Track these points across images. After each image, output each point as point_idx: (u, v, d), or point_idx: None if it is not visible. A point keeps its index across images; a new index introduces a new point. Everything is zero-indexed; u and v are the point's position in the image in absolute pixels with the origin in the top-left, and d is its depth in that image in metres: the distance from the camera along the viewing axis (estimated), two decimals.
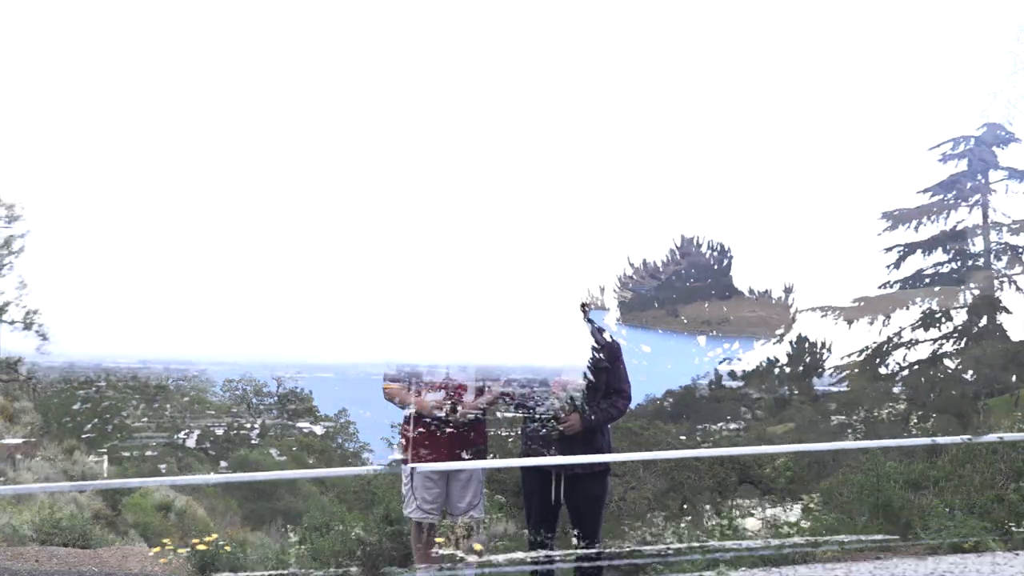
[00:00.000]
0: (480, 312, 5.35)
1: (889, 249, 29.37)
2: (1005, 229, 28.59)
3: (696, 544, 5.70)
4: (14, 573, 5.82)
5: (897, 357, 26.96)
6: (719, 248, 25.90)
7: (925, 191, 29.34)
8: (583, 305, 5.25)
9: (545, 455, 4.99)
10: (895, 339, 27.22)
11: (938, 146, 29.36)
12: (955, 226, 28.92)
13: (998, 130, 29.03)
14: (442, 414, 5.17)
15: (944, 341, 27.11)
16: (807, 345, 26.33)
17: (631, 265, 24.35)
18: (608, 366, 5.03)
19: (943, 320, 27.05)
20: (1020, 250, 28.27)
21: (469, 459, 5.25)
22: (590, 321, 5.23)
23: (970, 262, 28.87)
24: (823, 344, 27.11)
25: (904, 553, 5.53)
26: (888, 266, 29.19)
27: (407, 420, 5.37)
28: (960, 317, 27.22)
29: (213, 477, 12.62)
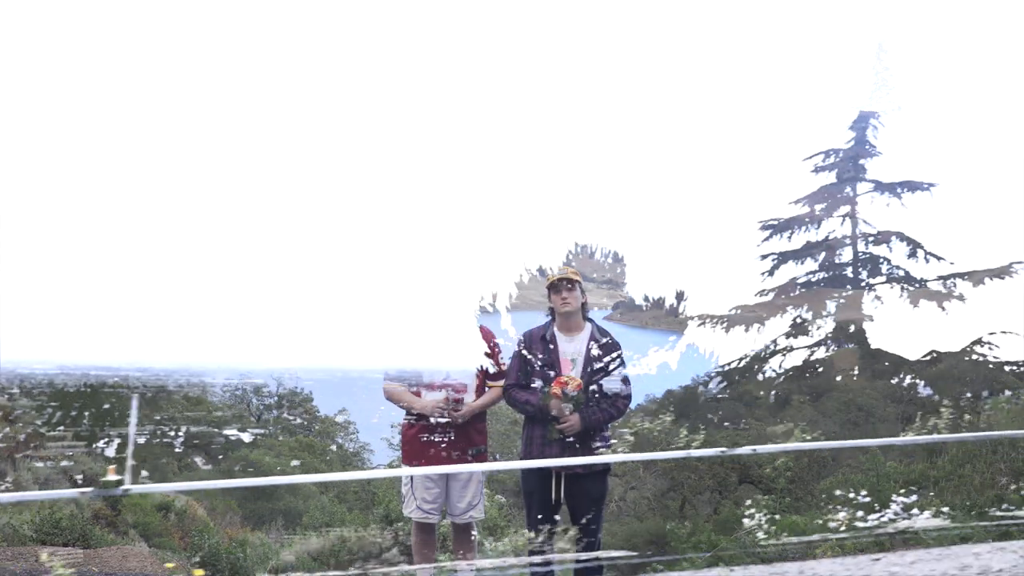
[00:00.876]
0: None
1: (764, 257, 30.07)
2: (871, 240, 29.05)
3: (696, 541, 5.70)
4: (14, 573, 5.82)
5: (774, 364, 27.48)
6: (613, 255, 26.66)
7: (797, 201, 30.04)
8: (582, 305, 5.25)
9: (546, 455, 4.99)
10: (771, 346, 27.71)
11: (811, 157, 30.10)
12: (827, 236, 29.43)
13: (865, 144, 29.50)
14: (442, 415, 5.17)
15: (816, 348, 27.58)
16: (695, 354, 26.56)
17: (527, 271, 24.36)
18: (608, 366, 5.03)
19: (813, 327, 27.56)
20: (881, 260, 28.66)
21: (469, 460, 5.25)
22: (590, 320, 5.23)
23: (838, 271, 29.29)
24: (710, 352, 27.32)
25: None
26: (763, 274, 29.77)
27: (407, 420, 5.37)
28: (829, 324, 27.65)
29: (215, 483, 12.62)
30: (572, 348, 5.10)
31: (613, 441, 5.32)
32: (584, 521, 4.94)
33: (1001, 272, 24.51)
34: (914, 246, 27.65)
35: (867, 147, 29.57)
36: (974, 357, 23.40)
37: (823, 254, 29.49)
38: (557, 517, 5.00)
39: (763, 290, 29.62)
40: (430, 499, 5.25)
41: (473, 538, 5.42)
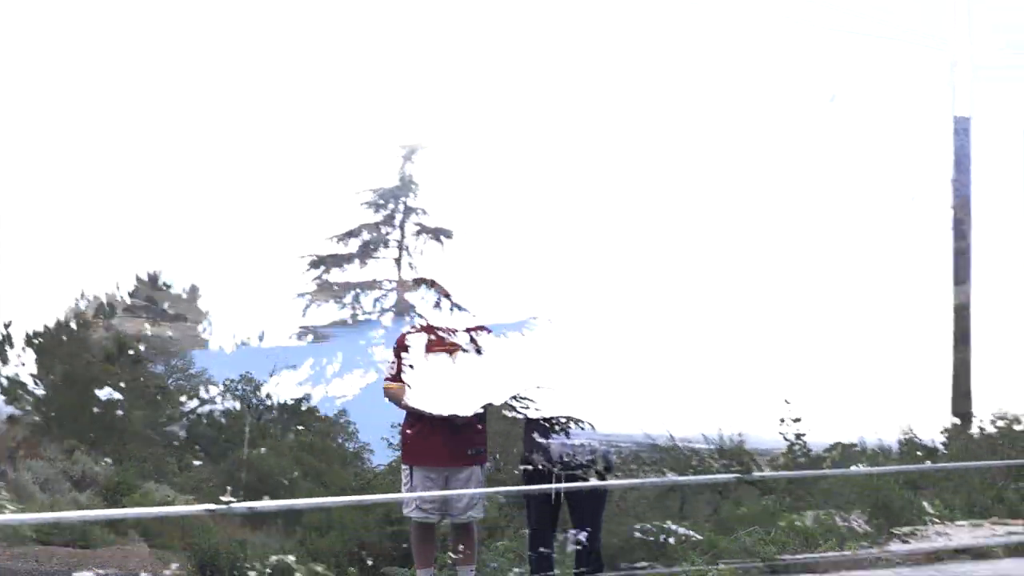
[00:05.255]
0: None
1: (302, 295, 27.75)
2: (408, 286, 26.78)
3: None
4: (14, 573, 5.82)
5: None
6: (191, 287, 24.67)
7: (342, 238, 27.95)
8: None
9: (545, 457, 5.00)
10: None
11: (361, 193, 28.05)
12: (374, 280, 27.88)
13: (411, 183, 28.10)
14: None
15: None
16: None
17: (138, 279, 23.56)
18: None
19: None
20: (413, 309, 27.10)
21: (469, 459, 5.25)
22: None
23: (378, 316, 27.51)
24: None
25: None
26: (304, 309, 27.36)
27: (407, 420, 5.37)
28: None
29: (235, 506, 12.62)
30: None
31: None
32: (585, 521, 4.94)
33: (519, 326, 22.57)
34: (441, 295, 26.60)
35: (412, 185, 28.43)
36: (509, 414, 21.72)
37: (364, 297, 28.11)
38: (557, 517, 5.00)
39: (303, 328, 27.28)
40: (430, 499, 5.25)
41: (473, 538, 5.42)
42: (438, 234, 27.95)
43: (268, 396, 21.38)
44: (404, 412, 5.40)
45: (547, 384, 5.02)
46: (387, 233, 28.27)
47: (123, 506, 10.82)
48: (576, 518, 5.02)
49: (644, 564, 5.44)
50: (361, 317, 27.70)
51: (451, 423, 5.16)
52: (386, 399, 5.42)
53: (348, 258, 28.02)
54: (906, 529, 6.04)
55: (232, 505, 4.01)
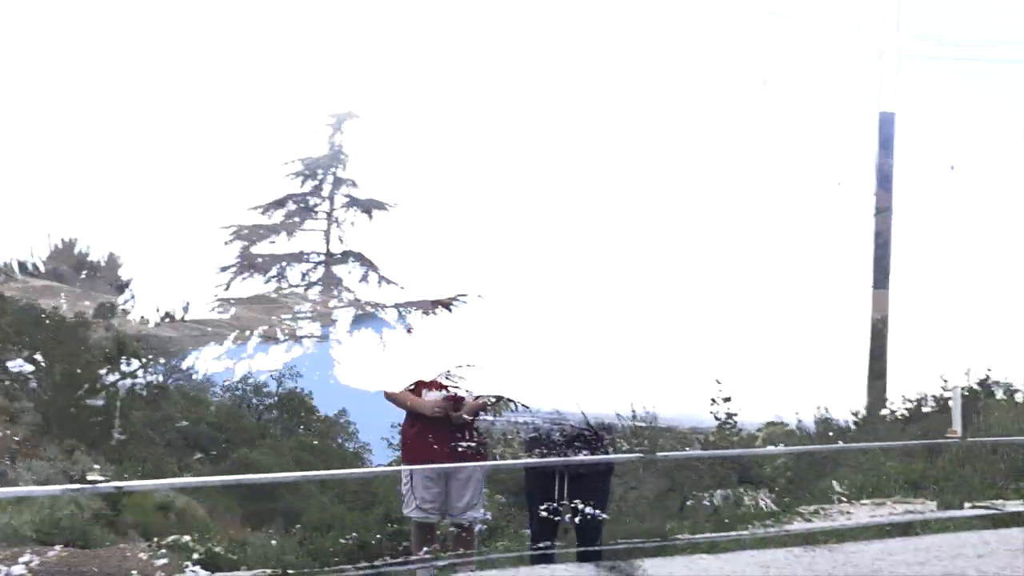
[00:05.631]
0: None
1: (226, 268, 26.19)
2: (336, 259, 26.23)
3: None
4: (14, 573, 5.82)
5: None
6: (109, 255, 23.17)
7: (267, 208, 26.56)
8: None
9: (548, 455, 5.00)
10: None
11: (289, 163, 26.67)
12: (301, 252, 26.50)
13: (340, 153, 26.59)
14: (441, 414, 5.17)
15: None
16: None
17: (52, 245, 21.96)
18: None
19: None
20: (340, 282, 25.63)
21: (469, 459, 5.25)
22: None
23: (305, 289, 26.16)
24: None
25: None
26: (221, 286, 25.90)
27: (407, 420, 5.37)
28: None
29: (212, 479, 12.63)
30: None
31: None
32: (587, 521, 4.93)
33: (448, 303, 21.20)
34: (368, 268, 25.02)
35: (342, 156, 26.62)
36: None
37: (291, 270, 26.40)
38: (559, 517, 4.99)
39: (222, 300, 25.56)
40: (430, 498, 5.25)
41: (473, 538, 5.42)
42: (368, 206, 26.45)
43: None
44: (404, 412, 5.41)
45: (477, 362, 5.03)
46: (315, 205, 26.76)
47: (123, 506, 10.81)
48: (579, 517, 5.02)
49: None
50: (286, 290, 26.21)
51: (451, 423, 5.16)
52: (386, 399, 5.42)
53: (274, 229, 26.55)
54: (811, 508, 6.07)
55: (98, 485, 3.84)
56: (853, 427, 9.40)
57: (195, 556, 5.72)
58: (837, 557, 3.65)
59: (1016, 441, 8.12)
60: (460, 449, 5.19)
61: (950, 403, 7.51)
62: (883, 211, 8.71)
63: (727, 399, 5.94)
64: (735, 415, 7.00)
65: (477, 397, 5.27)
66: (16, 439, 11.96)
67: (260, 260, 26.39)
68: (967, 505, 5.51)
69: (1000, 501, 5.69)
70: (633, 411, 5.21)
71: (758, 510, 5.44)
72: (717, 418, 7.74)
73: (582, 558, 5.02)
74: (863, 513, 5.96)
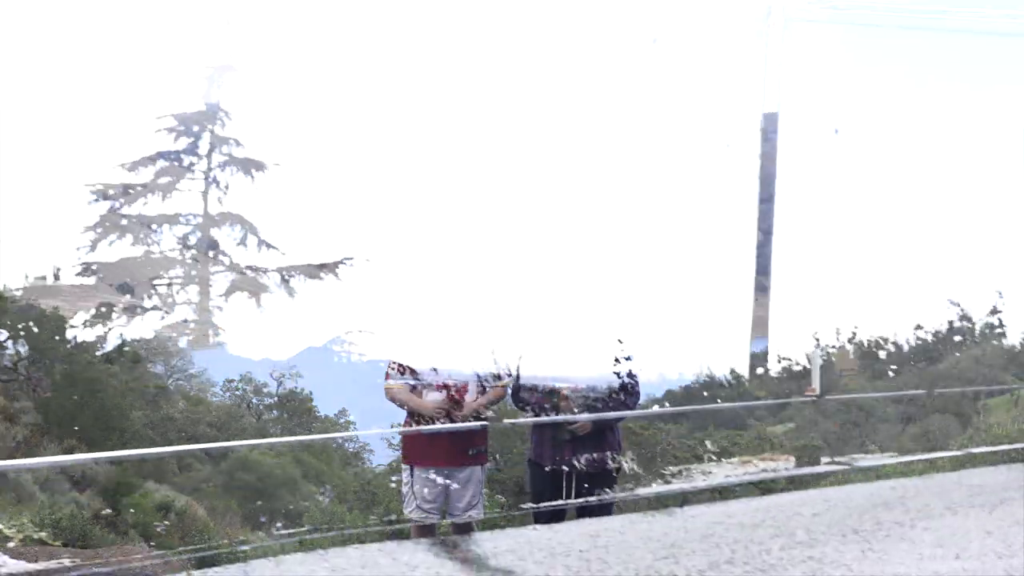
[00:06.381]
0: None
1: (91, 227, 23.87)
2: (214, 221, 24.21)
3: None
4: (14, 573, 5.82)
5: None
6: None
7: (135, 166, 24.06)
8: None
9: (556, 456, 5.02)
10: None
11: (161, 118, 24.32)
12: (178, 213, 24.25)
13: (217, 110, 24.51)
14: (443, 415, 5.17)
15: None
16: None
17: None
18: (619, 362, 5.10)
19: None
20: (217, 243, 23.65)
21: (470, 460, 5.26)
22: None
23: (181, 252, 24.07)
24: None
25: None
26: (84, 248, 23.56)
27: (408, 420, 5.37)
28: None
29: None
30: None
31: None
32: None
33: (334, 267, 20.43)
34: (248, 231, 23.18)
35: (221, 112, 24.47)
36: (336, 360, 18.93)
37: (164, 232, 24.10)
38: (563, 518, 5.00)
39: (87, 264, 23.27)
40: (430, 498, 5.25)
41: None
42: (248, 166, 24.48)
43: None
44: (405, 412, 5.41)
45: (368, 327, 5.00)
46: (191, 164, 24.45)
47: (123, 506, 10.83)
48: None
49: None
50: (157, 255, 24.16)
51: (452, 423, 5.16)
52: (387, 399, 5.42)
53: (149, 189, 24.27)
54: (674, 469, 6.06)
55: None
56: (727, 386, 9.37)
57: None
58: (674, 522, 3.62)
59: (867, 397, 8.24)
60: (461, 450, 5.20)
61: (808, 363, 7.58)
62: (767, 173, 8.64)
63: (628, 358, 5.83)
64: (636, 375, 6.83)
65: (479, 396, 5.27)
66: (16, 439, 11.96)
67: (126, 222, 24.07)
68: (823, 461, 5.57)
69: (856, 455, 5.78)
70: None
71: (620, 473, 5.38)
72: (619, 377, 7.61)
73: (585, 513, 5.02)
74: (724, 472, 5.97)
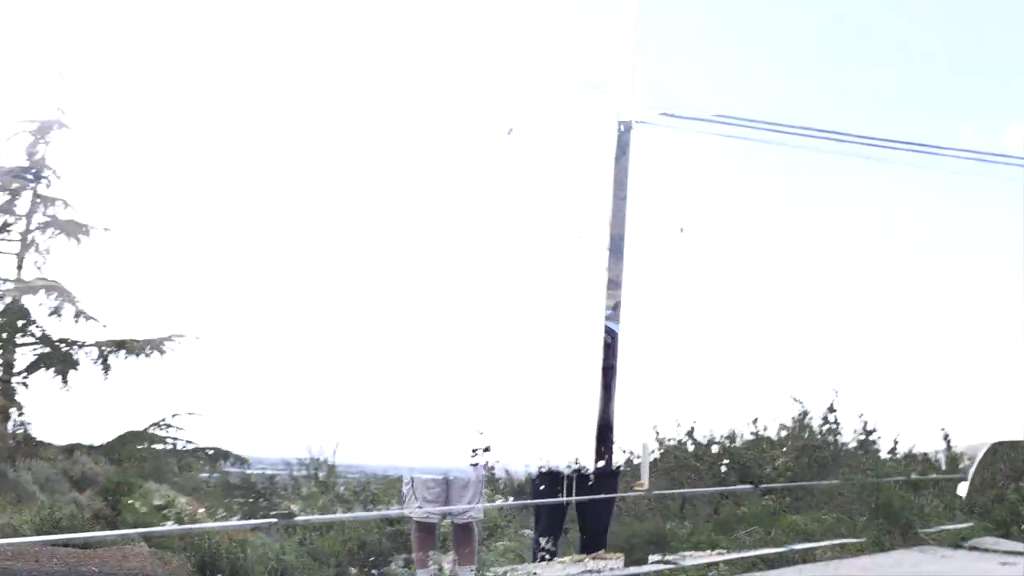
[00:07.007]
0: None
1: None
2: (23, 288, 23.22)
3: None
4: (14, 573, 5.82)
5: None
6: None
7: None
8: None
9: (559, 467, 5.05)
10: None
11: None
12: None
13: (44, 166, 23.55)
14: None
15: None
16: None
17: None
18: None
19: None
20: (28, 312, 20.27)
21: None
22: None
23: None
24: None
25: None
26: None
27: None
28: None
29: None
30: None
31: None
32: (592, 524, 4.95)
33: (160, 344, 19.49)
34: (64, 300, 20.28)
35: (46, 169, 24.49)
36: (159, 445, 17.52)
37: None
38: (564, 519, 5.02)
39: None
40: (430, 499, 5.26)
41: (473, 538, 5.42)
42: (74, 230, 21.11)
43: None
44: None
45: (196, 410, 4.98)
46: (6, 224, 20.93)
47: (123, 506, 10.81)
48: (584, 521, 5.03)
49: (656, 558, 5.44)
50: None
51: None
52: None
53: None
54: (502, 571, 5.94)
55: None
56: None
57: None
58: None
59: (696, 492, 8.34)
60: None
61: (636, 459, 7.64)
62: (615, 264, 8.76)
63: (487, 449, 5.84)
64: (493, 467, 6.81)
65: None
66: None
67: None
68: (652, 559, 5.52)
69: (684, 554, 5.73)
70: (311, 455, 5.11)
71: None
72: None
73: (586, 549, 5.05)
74: (552, 572, 5.86)
